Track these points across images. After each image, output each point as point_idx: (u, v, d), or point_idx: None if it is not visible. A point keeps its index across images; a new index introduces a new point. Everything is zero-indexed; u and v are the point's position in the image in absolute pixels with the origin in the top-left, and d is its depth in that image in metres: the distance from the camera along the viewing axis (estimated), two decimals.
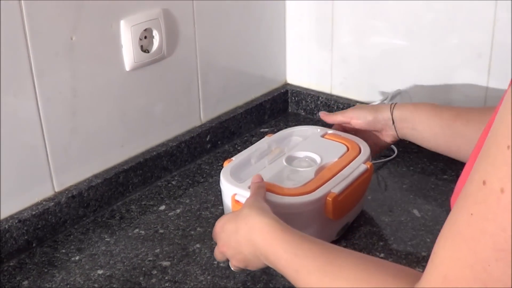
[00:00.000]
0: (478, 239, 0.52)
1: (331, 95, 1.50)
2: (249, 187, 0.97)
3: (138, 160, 1.23)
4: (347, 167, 1.04)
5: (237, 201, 0.99)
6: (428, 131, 1.11)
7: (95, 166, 1.17)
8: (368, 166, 1.06)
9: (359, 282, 0.68)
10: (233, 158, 1.09)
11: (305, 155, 1.10)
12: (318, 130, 1.18)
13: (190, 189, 1.24)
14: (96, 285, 0.97)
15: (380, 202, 1.16)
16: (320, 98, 1.51)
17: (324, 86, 1.51)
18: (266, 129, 1.49)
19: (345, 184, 1.00)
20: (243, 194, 0.97)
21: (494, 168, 0.51)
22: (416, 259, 1.01)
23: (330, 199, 0.97)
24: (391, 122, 1.14)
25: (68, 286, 0.98)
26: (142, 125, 1.24)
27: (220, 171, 1.05)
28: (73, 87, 1.08)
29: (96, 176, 1.17)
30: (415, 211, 1.13)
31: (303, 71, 1.55)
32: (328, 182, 1.00)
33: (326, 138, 1.15)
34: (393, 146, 1.33)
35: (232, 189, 1.00)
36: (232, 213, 0.92)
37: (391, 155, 1.33)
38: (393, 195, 1.19)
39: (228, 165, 1.06)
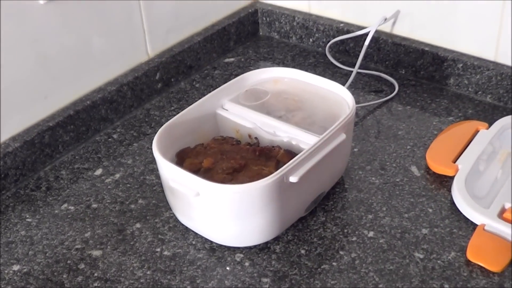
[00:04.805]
0: None
1: (310, 15, 1.38)
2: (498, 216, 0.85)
3: (68, 112, 1.10)
4: None
5: (487, 232, 0.85)
6: None
7: (11, 127, 1.05)
8: None
9: None
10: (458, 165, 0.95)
11: None
12: None
13: (134, 144, 1.10)
14: (9, 287, 0.85)
15: (369, 156, 1.03)
16: (296, 18, 1.38)
17: (300, 3, 1.39)
18: (232, 59, 1.34)
19: None
20: (493, 225, 0.84)
21: None
22: (415, 239, 0.86)
23: None
24: None
25: None
26: (71, 68, 1.11)
27: (171, 116, 0.93)
28: None
29: (13, 139, 1.04)
30: (414, 169, 1.00)
31: None
32: None
33: None
34: (393, 80, 1.19)
35: (479, 218, 0.86)
36: None
37: (384, 90, 1.17)
38: (386, 145, 1.05)
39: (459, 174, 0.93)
